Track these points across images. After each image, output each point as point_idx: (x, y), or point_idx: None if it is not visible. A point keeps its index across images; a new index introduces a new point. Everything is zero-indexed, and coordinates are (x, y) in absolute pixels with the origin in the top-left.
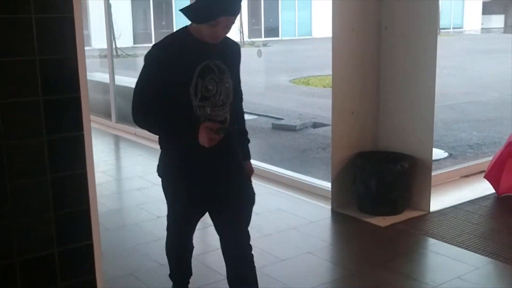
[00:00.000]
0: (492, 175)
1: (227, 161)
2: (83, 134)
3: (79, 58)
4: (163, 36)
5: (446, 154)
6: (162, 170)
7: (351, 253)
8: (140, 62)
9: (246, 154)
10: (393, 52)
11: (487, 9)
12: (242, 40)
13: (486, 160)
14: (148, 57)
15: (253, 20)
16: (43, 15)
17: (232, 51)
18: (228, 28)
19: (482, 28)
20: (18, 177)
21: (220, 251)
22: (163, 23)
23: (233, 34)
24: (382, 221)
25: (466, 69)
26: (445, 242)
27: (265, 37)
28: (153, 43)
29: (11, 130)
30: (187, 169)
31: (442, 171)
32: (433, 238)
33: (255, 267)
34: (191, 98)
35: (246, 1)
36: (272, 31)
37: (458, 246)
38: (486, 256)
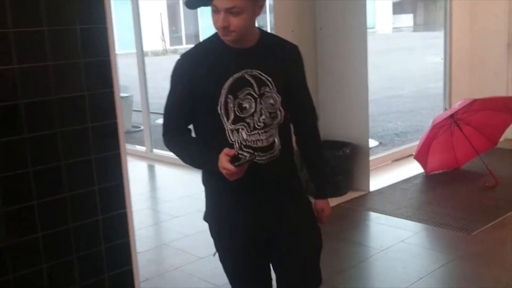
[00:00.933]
0: (420, 156)
1: (273, 200)
2: (116, 122)
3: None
4: None
5: (376, 143)
6: (206, 214)
7: None
8: None
9: (320, 190)
10: (328, 51)
11: (397, 9)
12: (164, 48)
13: (413, 145)
14: (173, 70)
15: (173, 28)
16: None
17: (283, 57)
18: (234, 15)
19: (393, 28)
20: (71, 157)
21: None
22: None
23: (156, 42)
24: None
25: (382, 66)
26: (386, 214)
27: (186, 44)
28: None
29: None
30: (225, 210)
31: (377, 156)
32: (375, 212)
33: None
34: (222, 120)
35: (165, 9)
36: (193, 37)
37: (398, 217)
38: (422, 223)
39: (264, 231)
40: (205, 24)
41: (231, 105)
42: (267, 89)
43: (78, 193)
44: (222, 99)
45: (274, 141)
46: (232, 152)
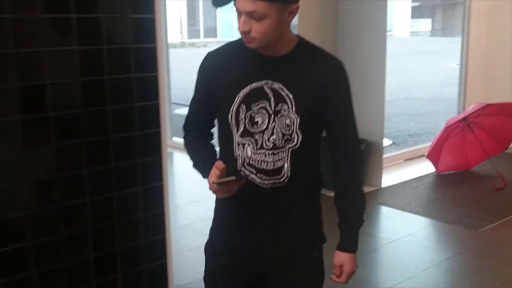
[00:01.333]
0: (432, 156)
1: (270, 232)
2: (158, 103)
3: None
4: None
5: (390, 142)
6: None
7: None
8: None
9: (345, 240)
10: (348, 50)
11: (415, 13)
12: (182, 40)
13: (425, 146)
14: (198, 67)
15: (192, 21)
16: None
17: (318, 73)
18: (256, 21)
19: (411, 32)
20: (119, 132)
21: None
22: None
23: (174, 35)
24: None
25: (399, 69)
26: (396, 209)
27: (204, 37)
28: None
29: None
30: (221, 227)
31: (390, 155)
32: (387, 206)
33: None
34: (232, 130)
35: (185, 2)
36: (210, 31)
37: (408, 212)
38: (431, 218)
39: (256, 261)
40: (224, 18)
41: (242, 116)
42: (285, 107)
43: (122, 165)
44: (234, 107)
45: (282, 166)
46: (221, 166)
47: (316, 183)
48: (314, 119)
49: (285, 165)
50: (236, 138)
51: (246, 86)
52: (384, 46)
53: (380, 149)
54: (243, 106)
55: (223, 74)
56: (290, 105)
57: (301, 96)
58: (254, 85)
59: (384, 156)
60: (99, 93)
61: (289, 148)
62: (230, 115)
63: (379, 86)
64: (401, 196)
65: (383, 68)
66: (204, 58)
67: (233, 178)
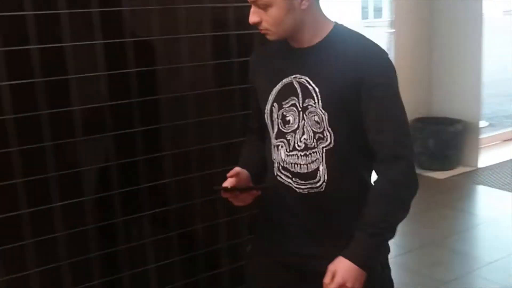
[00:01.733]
0: None
1: (310, 243)
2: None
3: None
4: None
5: (486, 123)
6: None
7: (417, 198)
8: None
9: (352, 245)
10: (444, 31)
11: None
12: None
13: None
14: None
15: None
16: None
17: (348, 63)
18: (264, 10)
19: (503, 11)
20: (223, 113)
21: None
22: None
23: None
24: (439, 175)
25: (492, 50)
26: (495, 188)
27: None
28: None
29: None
30: (262, 231)
31: (486, 135)
32: (484, 186)
33: None
34: (269, 131)
35: None
36: None
37: (507, 191)
38: None
39: (298, 275)
40: None
41: (275, 116)
42: (311, 103)
43: (225, 144)
44: (268, 107)
45: (317, 169)
46: (231, 173)
47: (366, 187)
48: (349, 115)
49: (320, 168)
50: (273, 140)
51: (278, 83)
52: (480, 26)
53: (476, 129)
54: (275, 105)
55: (262, 72)
56: (316, 100)
57: (329, 89)
58: (285, 81)
59: (481, 137)
60: (205, 77)
61: (323, 148)
62: (266, 115)
63: (476, 66)
64: (499, 176)
65: (479, 48)
66: (250, 56)
67: (226, 187)
